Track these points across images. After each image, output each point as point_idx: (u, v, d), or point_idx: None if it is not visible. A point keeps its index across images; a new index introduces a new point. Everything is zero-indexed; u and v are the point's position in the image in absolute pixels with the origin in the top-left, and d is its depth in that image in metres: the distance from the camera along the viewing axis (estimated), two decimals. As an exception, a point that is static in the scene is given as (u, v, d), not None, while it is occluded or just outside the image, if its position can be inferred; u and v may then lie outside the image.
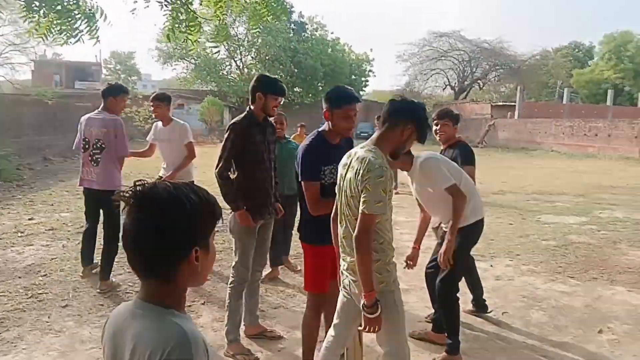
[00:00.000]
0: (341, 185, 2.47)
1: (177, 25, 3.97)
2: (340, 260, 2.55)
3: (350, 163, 2.41)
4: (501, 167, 18.01)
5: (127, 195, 1.11)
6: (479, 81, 45.17)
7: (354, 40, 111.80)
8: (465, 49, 42.24)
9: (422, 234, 3.74)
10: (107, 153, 4.62)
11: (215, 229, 1.19)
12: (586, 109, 35.49)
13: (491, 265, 5.69)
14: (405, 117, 2.39)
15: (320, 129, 2.97)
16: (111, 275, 4.69)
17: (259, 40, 38.47)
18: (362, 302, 2.28)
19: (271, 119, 3.67)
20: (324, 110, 2.85)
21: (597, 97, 42.80)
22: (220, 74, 39.92)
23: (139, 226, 1.10)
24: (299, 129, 10.47)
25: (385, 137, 2.41)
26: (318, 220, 2.87)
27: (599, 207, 9.69)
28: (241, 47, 39.90)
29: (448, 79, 45.41)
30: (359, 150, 2.41)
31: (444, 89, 46.84)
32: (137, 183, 1.12)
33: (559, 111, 32.84)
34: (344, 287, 2.53)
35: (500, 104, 36.41)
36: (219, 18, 4.30)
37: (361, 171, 2.26)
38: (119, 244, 4.92)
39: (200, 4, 4.18)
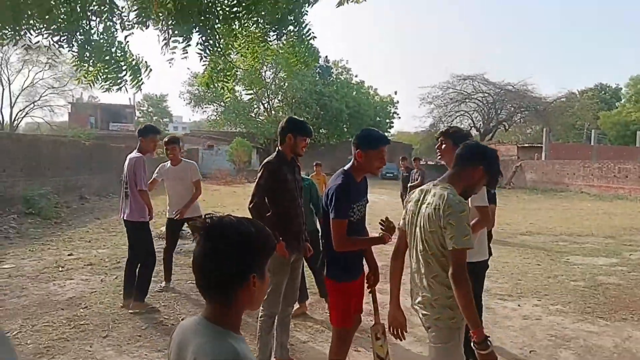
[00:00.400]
0: (414, 221, 2.56)
1: (215, 75, 4.31)
2: (413, 296, 2.65)
3: (423, 199, 2.54)
4: (529, 208, 17.87)
5: (199, 225, 1.30)
6: (504, 123, 45.20)
7: (378, 83, 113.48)
8: (489, 92, 42.55)
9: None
10: (130, 188, 5.10)
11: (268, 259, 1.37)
12: (615, 150, 35.03)
13: (519, 305, 5.70)
14: (477, 161, 2.54)
15: (346, 168, 3.12)
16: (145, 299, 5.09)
17: (286, 84, 39.62)
18: (472, 340, 2.29)
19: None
20: (356, 150, 3.04)
21: (625, 138, 42.23)
22: (249, 116, 41.09)
23: (206, 253, 1.28)
24: (315, 167, 10.86)
25: (457, 176, 2.55)
26: (344, 257, 3.03)
27: (629, 248, 9.55)
28: (269, 91, 41.09)
29: (473, 121, 45.59)
30: (433, 188, 2.54)
31: (469, 130, 46.97)
32: (207, 216, 1.32)
33: (587, 152, 32.50)
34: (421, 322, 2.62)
35: (527, 145, 36.28)
36: (254, 67, 4.65)
37: (442, 207, 2.36)
38: (152, 269, 5.23)
39: (237, 54, 4.53)
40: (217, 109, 42.65)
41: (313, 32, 4.20)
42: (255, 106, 42.38)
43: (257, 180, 3.70)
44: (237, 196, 19.32)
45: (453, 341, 2.47)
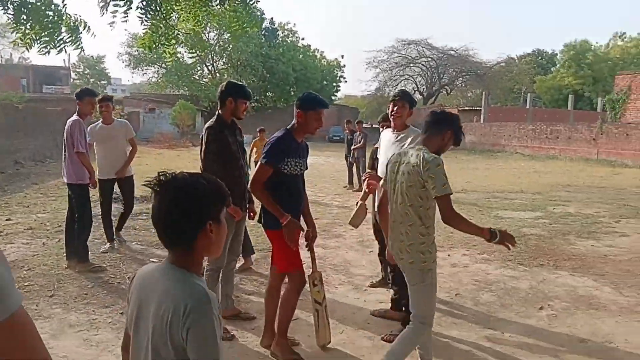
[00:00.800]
0: (394, 179, 2.95)
1: (156, 38, 4.29)
2: (392, 243, 3.01)
3: (401, 161, 2.93)
4: (467, 168, 18.74)
5: (153, 183, 1.42)
6: (446, 87, 46.41)
7: (325, 47, 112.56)
8: (432, 56, 43.40)
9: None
10: (68, 151, 5.12)
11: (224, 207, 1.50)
12: (548, 113, 36.89)
13: (448, 255, 6.18)
14: (446, 126, 2.94)
15: (288, 127, 3.37)
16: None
17: (230, 46, 38.69)
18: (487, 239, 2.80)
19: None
20: (297, 111, 3.30)
21: (559, 102, 44.45)
22: (192, 78, 39.98)
23: (163, 207, 1.40)
24: (258, 133, 10.86)
25: (429, 141, 2.94)
26: (285, 209, 3.22)
27: (554, 203, 10.37)
28: (212, 53, 40.01)
29: (417, 85, 46.50)
30: (410, 150, 2.97)
31: (413, 95, 47.87)
32: (160, 173, 1.45)
33: (523, 115, 34.08)
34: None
35: (467, 108, 37.56)
36: (195, 31, 4.64)
37: (421, 164, 2.76)
38: (89, 229, 5.34)
39: (179, 19, 4.51)
40: (158, 71, 41.16)
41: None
42: (199, 68, 41.25)
43: (203, 146, 3.79)
44: (181, 160, 19.07)
45: (426, 281, 2.88)
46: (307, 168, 3.50)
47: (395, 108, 3.94)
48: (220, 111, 3.87)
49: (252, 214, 4.18)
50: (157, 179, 1.42)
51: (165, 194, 1.41)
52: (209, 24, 30.37)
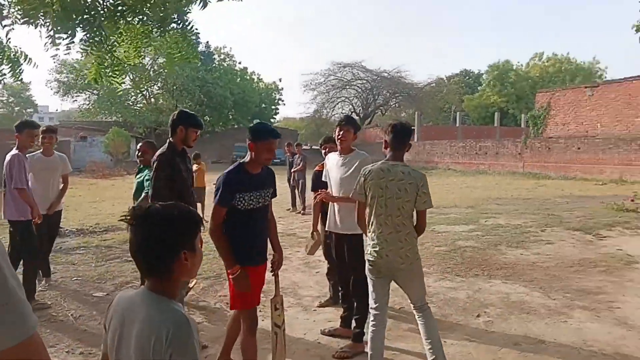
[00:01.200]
0: (383, 194, 3.29)
1: (103, 70, 4.31)
2: (378, 249, 3.34)
3: (387, 177, 3.30)
4: (404, 186, 19.38)
5: (128, 217, 1.50)
6: (381, 107, 47.91)
7: (262, 70, 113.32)
8: (367, 78, 44.76)
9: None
10: (7, 187, 4.95)
11: (199, 233, 1.59)
12: (477, 130, 38.94)
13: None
14: (408, 138, 3.48)
15: (242, 161, 3.28)
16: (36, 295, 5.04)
17: (165, 71, 38.15)
18: None
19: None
20: (248, 142, 3.20)
21: (486, 119, 47.05)
22: (126, 104, 38.95)
23: (139, 239, 1.49)
24: (193, 159, 9.93)
25: (401, 155, 3.42)
26: (249, 244, 3.18)
27: (485, 216, 10.99)
28: (147, 78, 39.25)
29: (353, 106, 47.69)
30: (394, 167, 3.34)
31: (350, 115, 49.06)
32: (134, 207, 1.54)
33: (454, 133, 35.77)
34: (379, 271, 3.39)
35: (402, 128, 38.85)
36: (139, 62, 4.70)
37: (417, 181, 3.26)
38: (36, 266, 5.18)
39: (122, 50, 4.54)
40: (89, 97, 39.82)
41: (197, 29, 4.39)
42: (132, 94, 40.24)
43: (154, 172, 3.84)
44: (116, 189, 18.51)
45: (421, 270, 3.54)
46: (274, 196, 3.44)
47: (341, 132, 4.14)
48: (171, 139, 3.94)
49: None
50: (132, 212, 1.51)
51: (140, 226, 1.49)
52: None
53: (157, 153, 3.92)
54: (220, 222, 3.14)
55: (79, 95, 39.63)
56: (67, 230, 9.05)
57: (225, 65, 44.79)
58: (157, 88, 41.00)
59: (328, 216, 4.35)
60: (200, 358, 1.55)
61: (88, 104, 40.07)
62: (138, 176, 5.58)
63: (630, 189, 16.44)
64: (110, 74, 4.34)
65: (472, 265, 6.67)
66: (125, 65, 4.57)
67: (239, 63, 47.55)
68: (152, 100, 40.48)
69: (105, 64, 4.27)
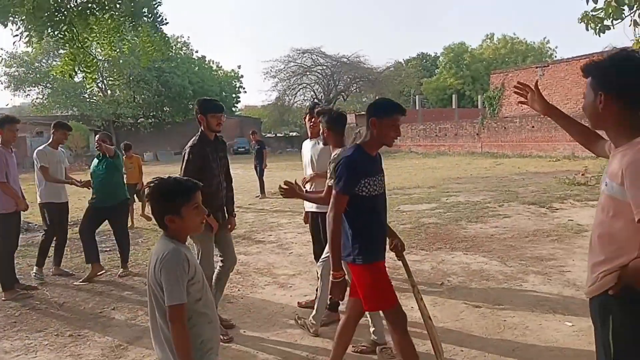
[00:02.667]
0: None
1: (76, 66, 4.39)
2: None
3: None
4: (368, 169, 19.84)
5: (150, 185, 2.10)
6: (342, 93, 48.18)
7: (221, 58, 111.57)
8: (327, 64, 44.87)
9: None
10: None
11: (194, 204, 2.08)
12: (436, 112, 39.88)
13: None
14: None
15: (358, 142, 2.93)
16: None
17: (121, 61, 37.23)
18: None
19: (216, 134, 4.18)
20: (371, 119, 2.83)
21: (444, 101, 48.16)
22: (82, 97, 37.86)
23: (150, 200, 2.09)
24: (124, 150, 9.12)
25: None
26: (370, 238, 2.85)
27: (446, 194, 11.52)
28: (102, 69, 38.20)
29: (315, 92, 47.77)
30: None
31: (312, 101, 49.18)
32: (153, 179, 2.13)
33: (414, 116, 36.50)
34: None
35: (363, 113, 39.16)
36: (112, 56, 4.82)
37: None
38: (11, 257, 5.26)
39: (95, 45, 4.64)
40: (42, 91, 38.48)
41: (167, 21, 4.51)
42: (88, 86, 39.09)
43: (183, 164, 3.99)
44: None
45: None
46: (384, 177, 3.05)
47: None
48: (202, 129, 4.11)
49: (230, 225, 4.33)
50: (151, 182, 2.13)
51: (150, 192, 2.10)
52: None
53: (189, 144, 4.03)
54: (342, 212, 2.78)
55: (31, 89, 38.27)
56: (35, 225, 8.99)
57: (183, 54, 44.00)
58: (113, 79, 39.95)
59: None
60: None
61: (42, 98, 38.74)
62: (93, 163, 6.15)
63: (581, 164, 17.39)
64: (83, 68, 4.43)
65: (435, 240, 7.10)
66: (99, 60, 4.68)
67: (196, 52, 46.85)
68: (109, 92, 39.50)
69: (79, 60, 4.35)
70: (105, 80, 39.82)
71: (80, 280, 5.66)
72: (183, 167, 4.00)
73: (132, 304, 4.91)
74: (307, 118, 4.54)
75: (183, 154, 4.09)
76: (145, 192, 2.10)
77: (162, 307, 1.99)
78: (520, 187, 12.19)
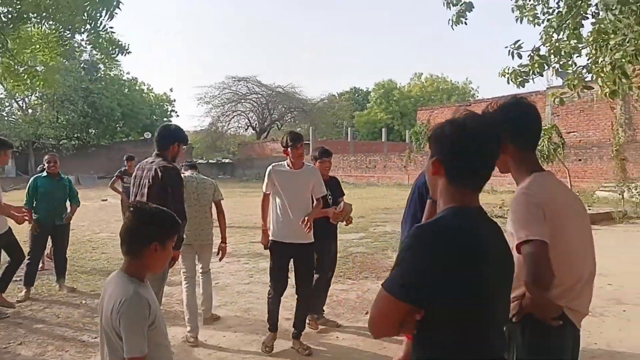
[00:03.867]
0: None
1: (7, 75, 4.21)
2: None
3: None
4: (299, 198, 20.00)
5: (129, 207, 1.99)
6: (277, 122, 48.56)
7: (153, 81, 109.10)
8: (262, 93, 45.18)
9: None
10: None
11: (174, 240, 2.03)
12: (367, 145, 41.02)
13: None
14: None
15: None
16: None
17: (57, 76, 35.42)
18: None
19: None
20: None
21: (374, 134, 49.66)
22: (-1, 115, 35.51)
23: (129, 223, 1.94)
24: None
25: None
26: None
27: (375, 224, 11.83)
28: (23, 86, 36.12)
29: (249, 120, 47.82)
30: None
31: (246, 130, 49.13)
32: (134, 202, 2.24)
33: (346, 147, 37.34)
34: None
35: (297, 142, 39.75)
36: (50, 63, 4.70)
37: None
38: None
39: (33, 54, 4.47)
40: (-48, 106, 35.71)
41: (111, 27, 4.42)
42: (7, 104, 36.79)
43: (176, 188, 3.83)
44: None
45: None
46: None
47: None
48: (160, 152, 4.00)
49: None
50: (132, 204, 2.05)
51: (133, 214, 1.95)
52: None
53: (163, 164, 3.87)
54: None
55: (-61, 104, 35.35)
56: None
57: (112, 75, 42.57)
58: (36, 98, 37.79)
59: (279, 227, 4.34)
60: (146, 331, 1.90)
61: (-49, 114, 35.87)
62: (38, 182, 6.21)
63: (499, 197, 18.47)
64: (13, 77, 4.25)
65: (362, 269, 7.26)
66: (35, 69, 4.51)
67: (128, 73, 45.55)
68: (30, 110, 37.31)
69: (11, 69, 4.17)
70: (27, 99, 37.60)
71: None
72: (177, 190, 3.84)
73: (42, 337, 4.61)
74: (292, 148, 4.33)
75: (163, 173, 3.83)
76: (128, 212, 1.96)
77: (118, 353, 1.86)
78: (444, 219, 12.74)
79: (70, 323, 5.00)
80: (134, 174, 4.16)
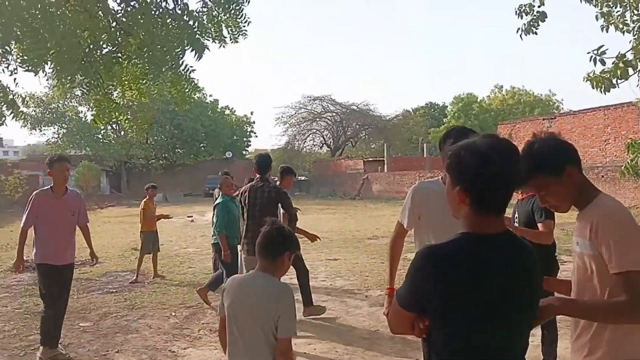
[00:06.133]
0: None
1: (101, 113, 4.66)
2: None
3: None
4: (374, 215, 19.93)
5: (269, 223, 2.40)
6: (351, 139, 48.87)
7: (235, 104, 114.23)
8: (336, 111, 45.78)
9: None
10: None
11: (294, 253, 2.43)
12: (444, 160, 40.12)
13: (366, 296, 6.80)
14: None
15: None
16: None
17: (136, 104, 38.21)
18: None
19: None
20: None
21: (452, 150, 48.57)
22: (95, 137, 38.71)
23: (269, 235, 2.34)
24: (148, 191, 8.74)
25: None
26: None
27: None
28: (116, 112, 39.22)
29: (324, 138, 48.53)
30: None
31: (321, 147, 49.93)
32: (271, 220, 2.45)
33: (422, 163, 36.81)
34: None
35: (372, 159, 39.79)
36: (140, 101, 5.17)
37: None
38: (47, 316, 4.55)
39: (124, 91, 4.93)
40: (58, 130, 39.44)
41: (192, 67, 4.79)
42: (102, 127, 40.03)
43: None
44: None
45: None
46: None
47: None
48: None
49: None
50: (269, 222, 2.43)
51: (273, 229, 2.38)
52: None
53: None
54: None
55: (47, 129, 39.26)
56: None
57: (196, 97, 45.09)
58: (136, 124, 40.77)
59: None
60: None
61: (57, 138, 39.65)
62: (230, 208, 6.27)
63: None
64: (107, 115, 4.69)
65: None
66: (121, 106, 4.96)
67: (210, 96, 48.03)
68: (122, 133, 40.34)
69: (102, 107, 4.61)
70: (119, 122, 40.69)
71: None
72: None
73: (136, 346, 4.94)
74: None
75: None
76: (267, 225, 2.38)
77: (268, 340, 2.17)
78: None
79: (161, 334, 5.33)
80: (247, 194, 5.12)
